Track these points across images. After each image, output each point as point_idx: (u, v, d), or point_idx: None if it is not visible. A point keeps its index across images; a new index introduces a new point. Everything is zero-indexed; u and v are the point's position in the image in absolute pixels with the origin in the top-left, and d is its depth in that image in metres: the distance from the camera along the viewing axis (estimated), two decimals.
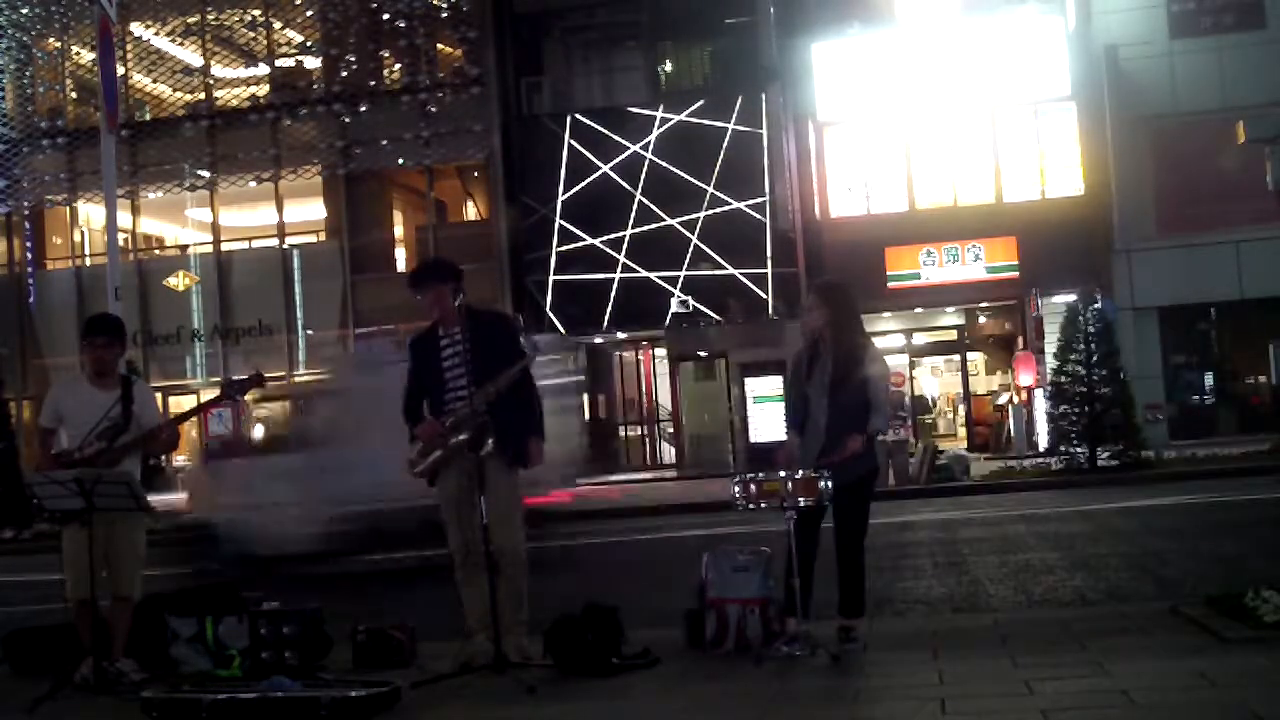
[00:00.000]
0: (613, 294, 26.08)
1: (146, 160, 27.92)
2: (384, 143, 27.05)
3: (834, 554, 6.67)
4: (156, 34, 28.76)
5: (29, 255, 29.18)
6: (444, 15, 27.46)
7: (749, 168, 25.82)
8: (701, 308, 25.72)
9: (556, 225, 26.30)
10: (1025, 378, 24.34)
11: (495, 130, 26.79)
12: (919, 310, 26.63)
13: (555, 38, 28.37)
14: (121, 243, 24.02)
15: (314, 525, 12.13)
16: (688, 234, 25.75)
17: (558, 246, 26.27)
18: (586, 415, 28.20)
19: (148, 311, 27.27)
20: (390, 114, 27.08)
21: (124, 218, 26.98)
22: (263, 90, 28.63)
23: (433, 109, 26.85)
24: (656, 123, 26.17)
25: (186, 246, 29.07)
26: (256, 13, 28.17)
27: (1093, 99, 24.60)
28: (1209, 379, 25.75)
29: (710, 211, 25.68)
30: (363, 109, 27.11)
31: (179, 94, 28.97)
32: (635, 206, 25.98)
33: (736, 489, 6.51)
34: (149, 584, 7.12)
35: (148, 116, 28.65)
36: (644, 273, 25.90)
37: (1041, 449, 22.84)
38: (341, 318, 27.12)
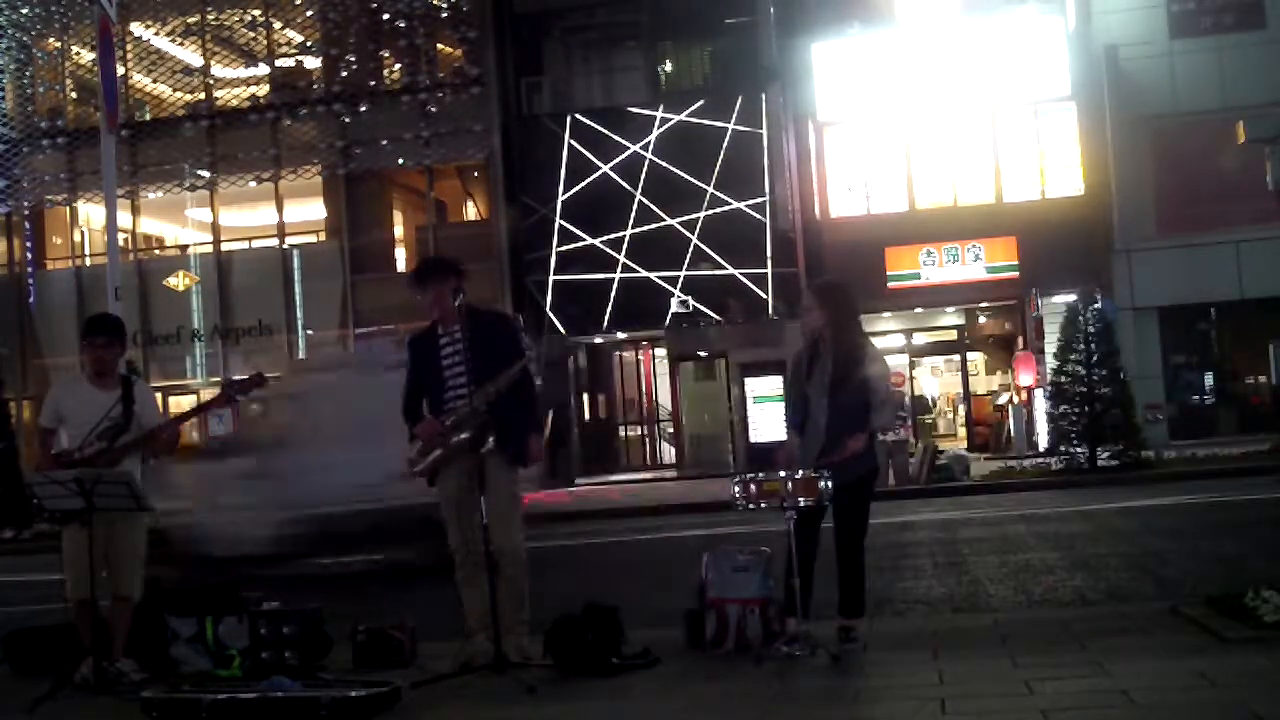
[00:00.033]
0: (613, 294, 26.07)
1: (146, 160, 27.90)
2: (384, 143, 27.04)
3: (834, 554, 6.67)
4: (156, 34, 28.75)
5: (29, 255, 29.16)
6: (444, 15, 27.44)
7: (749, 168, 25.81)
8: (701, 308, 25.72)
9: (556, 225, 26.29)
10: (1025, 378, 24.35)
11: (495, 130, 26.78)
12: (919, 310, 26.63)
13: (555, 38, 28.36)
14: (121, 243, 24.01)
15: (265, 528, 12.09)
16: (688, 234, 25.75)
17: (558, 246, 26.26)
18: (586, 415, 28.33)
19: (148, 311, 27.25)
20: (390, 114, 27.07)
21: (124, 218, 26.98)
22: (263, 90, 28.62)
23: (433, 109, 26.84)
24: (656, 123, 26.16)
25: (186, 246, 29.05)
26: (256, 13, 28.15)
27: (1093, 99, 24.60)
28: (1209, 379, 25.74)
29: (710, 211, 25.67)
30: (363, 109, 27.10)
31: (179, 94, 28.95)
32: (635, 206, 25.97)
33: (736, 489, 6.52)
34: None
35: (148, 116, 28.62)
36: (644, 273, 25.89)
37: (1041, 449, 22.84)
38: (341, 318, 27.11)
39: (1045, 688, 5.39)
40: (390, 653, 6.93)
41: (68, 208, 28.94)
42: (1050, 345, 21.84)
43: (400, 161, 27.39)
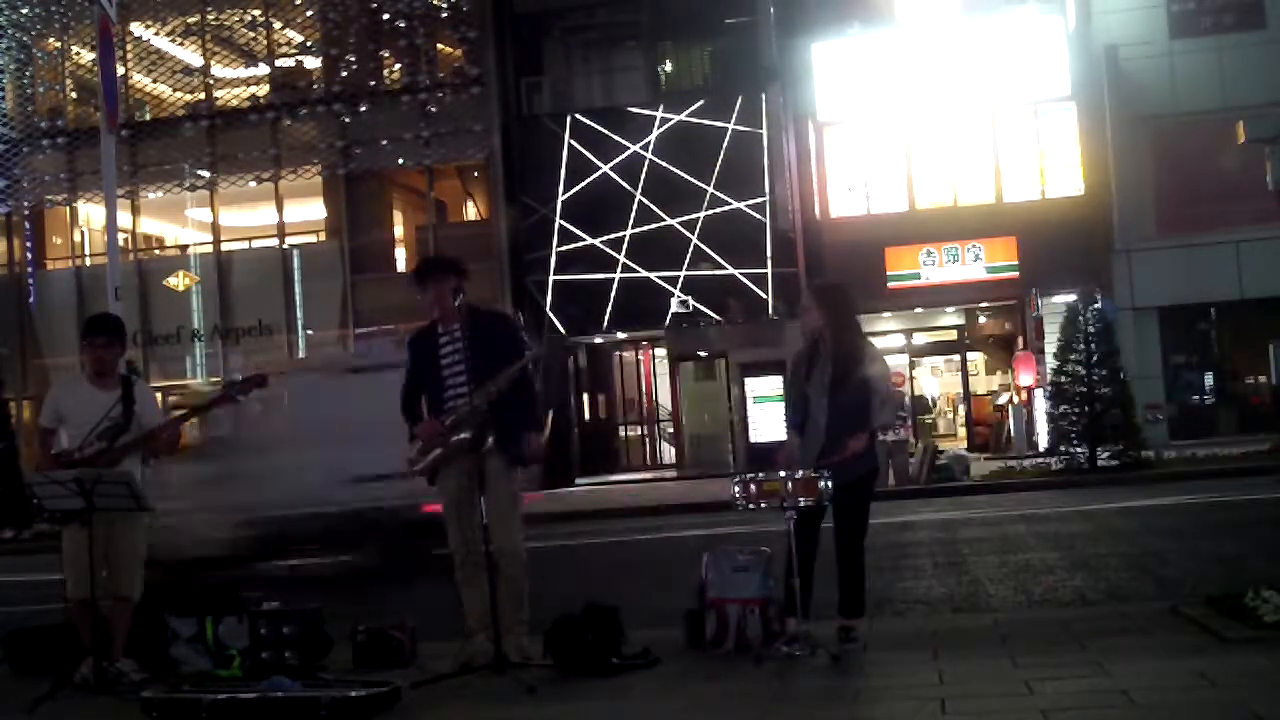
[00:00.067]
0: (613, 294, 26.07)
1: (146, 160, 27.89)
2: (384, 143, 27.03)
3: (834, 554, 6.67)
4: (156, 34, 28.74)
5: (29, 255, 29.15)
6: (444, 15, 27.43)
7: (749, 168, 25.80)
8: (701, 308, 25.71)
9: (556, 225, 26.29)
10: (1025, 378, 24.35)
11: (495, 130, 26.77)
12: (919, 310, 26.63)
13: (555, 38, 28.36)
14: (121, 243, 24.01)
15: (221, 531, 12.10)
16: (688, 234, 25.74)
17: (558, 246, 26.26)
18: (586, 415, 28.34)
19: (148, 311, 27.24)
20: (390, 114, 27.06)
21: (124, 218, 26.97)
22: (263, 90, 28.61)
23: (433, 109, 26.83)
24: (656, 123, 26.16)
25: (186, 246, 29.04)
26: (256, 13, 28.14)
27: (1093, 99, 24.59)
28: (1209, 379, 25.75)
29: (710, 211, 25.67)
30: (363, 109, 27.10)
31: (179, 94, 28.94)
32: (635, 206, 25.97)
33: (736, 489, 6.52)
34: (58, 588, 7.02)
35: (148, 116, 28.61)
36: (644, 273, 25.89)
37: (1041, 449, 22.84)
38: (341, 318, 27.10)
39: (1045, 688, 5.39)
40: (390, 653, 6.93)
41: (68, 208, 28.94)
42: (1050, 345, 21.84)
43: (400, 161, 27.39)
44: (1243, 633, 6.11)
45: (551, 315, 26.15)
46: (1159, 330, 24.85)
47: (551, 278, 26.30)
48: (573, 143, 26.37)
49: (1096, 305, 20.06)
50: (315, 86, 28.16)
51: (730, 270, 25.63)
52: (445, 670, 6.43)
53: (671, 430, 28.34)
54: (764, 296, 25.58)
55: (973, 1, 25.27)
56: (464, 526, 6.60)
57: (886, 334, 26.45)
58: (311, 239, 28.66)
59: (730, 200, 25.64)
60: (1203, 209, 24.18)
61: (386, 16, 27.26)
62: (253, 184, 27.95)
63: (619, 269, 26.01)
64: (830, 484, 6.34)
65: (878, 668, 6.12)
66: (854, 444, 6.55)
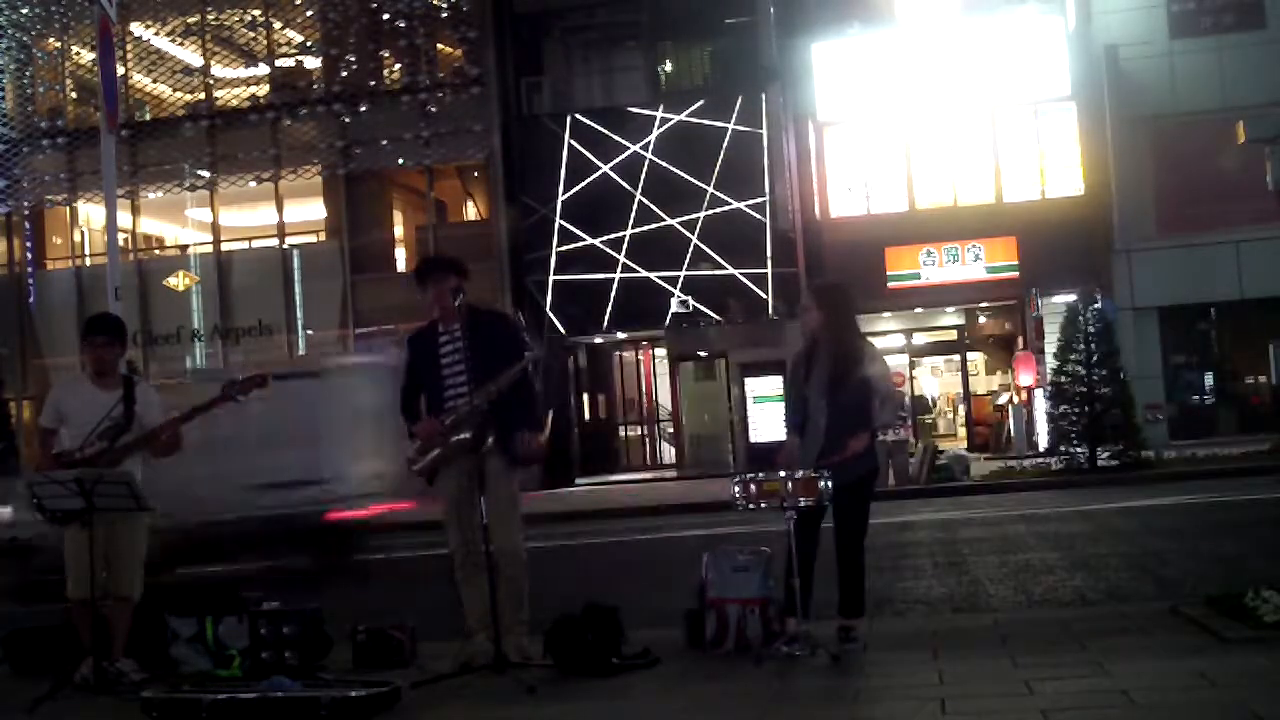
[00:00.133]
0: (613, 294, 26.07)
1: (146, 160, 27.89)
2: (384, 143, 27.03)
3: (834, 554, 6.67)
4: (156, 34, 28.73)
5: (29, 255, 29.15)
6: (444, 15, 27.43)
7: (749, 168, 25.80)
8: (701, 308, 25.71)
9: (556, 225, 26.29)
10: (1025, 378, 24.35)
11: (495, 130, 26.76)
12: (919, 310, 26.63)
13: (555, 38, 28.36)
14: (121, 243, 24.00)
15: None
16: (688, 234, 25.74)
17: (558, 246, 26.26)
18: (586, 415, 28.35)
19: (148, 311, 27.23)
20: (390, 114, 27.06)
21: (124, 218, 26.97)
22: (263, 90, 28.61)
23: (433, 109, 26.83)
24: (656, 123, 26.15)
25: (186, 246, 29.04)
26: (256, 13, 28.14)
27: (1093, 99, 24.59)
28: (1209, 379, 25.75)
29: (710, 211, 25.66)
30: (363, 109, 27.09)
31: (179, 94, 28.93)
32: (635, 206, 25.96)
33: (736, 489, 6.52)
34: None
35: (148, 116, 28.61)
36: (644, 273, 25.88)
37: (1041, 449, 22.84)
38: (341, 318, 27.10)
39: (1045, 688, 5.39)
40: (390, 653, 6.93)
41: (68, 208, 28.93)
42: (1050, 345, 21.84)
43: (400, 161, 27.39)
44: (1243, 633, 6.11)
45: (551, 315, 26.15)
46: (1159, 330, 24.85)
47: (551, 278, 26.30)
48: (573, 143, 26.36)
49: (1096, 305, 20.06)
50: (315, 86, 28.16)
51: (730, 270, 25.63)
52: (445, 670, 6.43)
53: (671, 430, 28.34)
54: (764, 296, 25.58)
55: (973, 1, 25.27)
56: (464, 527, 6.59)
57: (886, 334, 26.45)
58: (311, 239, 28.66)
59: (730, 200, 25.64)
60: (1203, 209, 24.18)
61: (386, 16, 27.25)
62: (253, 184, 27.95)
63: (619, 269, 26.01)
64: (830, 484, 6.34)
65: (878, 668, 6.12)
66: (854, 444, 6.56)
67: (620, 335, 27.56)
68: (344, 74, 27.42)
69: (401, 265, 28.08)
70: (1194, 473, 18.41)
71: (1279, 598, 6.32)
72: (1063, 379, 19.66)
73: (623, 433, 29.70)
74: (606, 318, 26.21)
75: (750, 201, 25.70)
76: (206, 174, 27.74)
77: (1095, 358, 19.36)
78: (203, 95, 28.39)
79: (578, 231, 26.18)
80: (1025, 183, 25.25)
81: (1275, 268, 23.19)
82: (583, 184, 26.23)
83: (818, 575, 6.60)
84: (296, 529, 11.98)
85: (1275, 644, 5.85)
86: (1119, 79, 24.47)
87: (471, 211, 29.69)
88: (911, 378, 27.45)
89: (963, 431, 27.91)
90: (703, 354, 26.48)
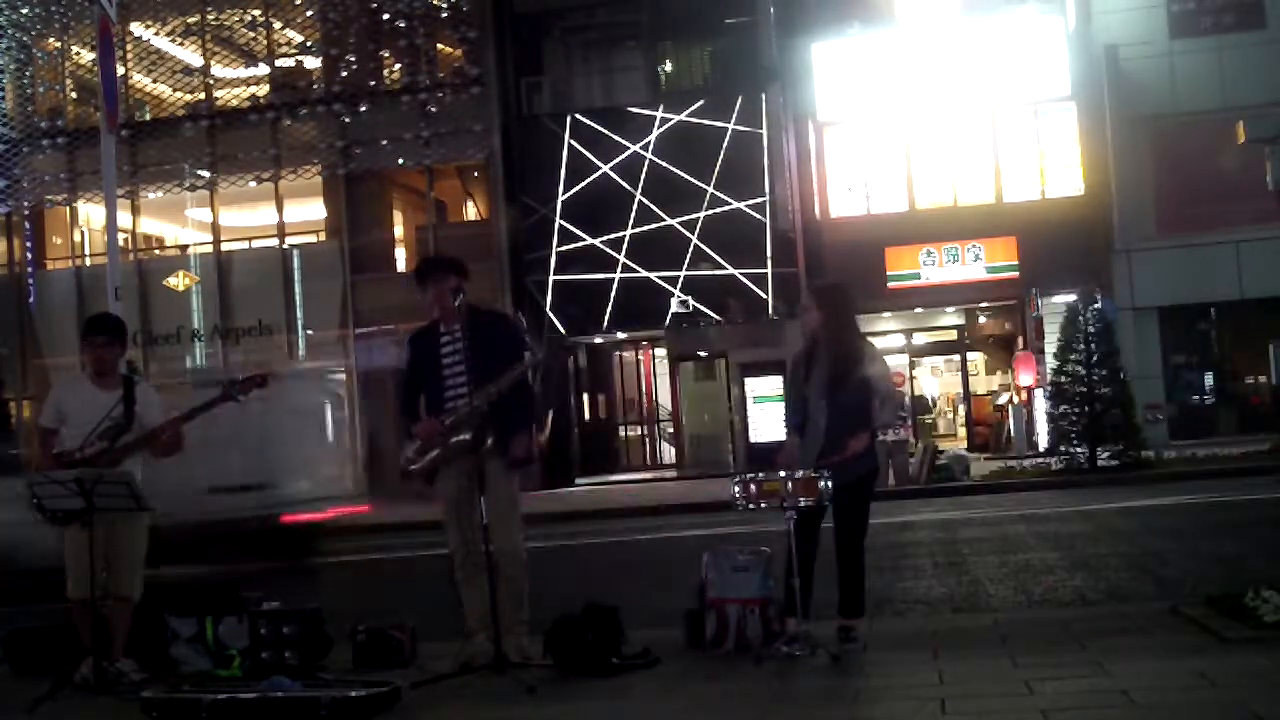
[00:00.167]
0: (613, 294, 26.06)
1: (146, 160, 27.88)
2: (384, 143, 27.02)
3: (834, 554, 6.67)
4: (156, 34, 28.72)
5: (29, 255, 29.15)
6: (444, 15, 27.41)
7: (749, 168, 25.79)
8: (701, 308, 25.71)
9: (556, 225, 26.28)
10: (1025, 378, 24.35)
11: (495, 130, 26.75)
12: (919, 310, 26.64)
13: (555, 38, 28.35)
14: (121, 243, 23.99)
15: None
16: (688, 234, 25.74)
17: (558, 246, 26.25)
18: (586, 415, 28.35)
19: (148, 311, 27.21)
20: (390, 114, 27.05)
21: (124, 218, 26.96)
22: (263, 90, 28.60)
23: (433, 109, 26.82)
24: (656, 123, 26.15)
25: (186, 246, 29.03)
26: (256, 13, 28.12)
27: (1093, 99, 24.59)
28: (1209, 379, 25.75)
29: (710, 211, 25.66)
30: (363, 109, 27.08)
31: (179, 94, 28.92)
32: (635, 206, 25.96)
33: (736, 489, 6.52)
34: None
35: (148, 116, 28.59)
36: (644, 273, 25.88)
37: (1041, 449, 22.84)
38: (341, 318, 27.09)
39: (1045, 688, 5.40)
40: (390, 653, 6.93)
41: (68, 208, 28.92)
42: (1050, 345, 21.84)
43: (400, 161, 27.37)
44: (1243, 633, 6.11)
45: (551, 315, 26.14)
46: (1159, 330, 24.85)
47: (551, 278, 26.30)
48: (573, 143, 26.36)
49: (1096, 305, 20.06)
50: (315, 86, 28.15)
51: (730, 270, 25.63)
52: (445, 670, 6.43)
53: (671, 430, 28.34)
54: (764, 296, 25.58)
55: (973, 1, 25.27)
56: (464, 527, 6.60)
57: (886, 334, 26.45)
58: (311, 239, 28.65)
59: (730, 200, 25.64)
60: (1203, 209, 24.18)
61: (386, 16, 27.24)
62: (253, 184, 27.94)
63: (619, 269, 26.00)
64: (830, 484, 6.34)
65: (878, 668, 6.12)
66: (854, 444, 6.56)
67: (620, 335, 27.56)
68: (344, 74, 27.41)
69: (401, 265, 28.07)
70: (1194, 473, 18.42)
71: (1279, 598, 6.32)
72: (1063, 379, 19.66)
73: (623, 433, 29.70)
74: (606, 318, 26.21)
75: (750, 201, 25.70)
76: (206, 174, 27.74)
77: (1095, 358, 19.36)
78: (203, 95, 28.38)
79: (578, 231, 26.18)
80: (1025, 183, 25.25)
81: (1275, 268, 23.19)
82: (583, 184, 26.23)
83: (818, 575, 6.60)
84: (249, 532, 11.98)
85: (1275, 644, 5.86)
86: (1119, 79, 24.47)
87: (471, 211, 29.69)
88: (911, 378, 27.45)
89: (963, 431, 27.91)
90: (703, 354, 26.48)
